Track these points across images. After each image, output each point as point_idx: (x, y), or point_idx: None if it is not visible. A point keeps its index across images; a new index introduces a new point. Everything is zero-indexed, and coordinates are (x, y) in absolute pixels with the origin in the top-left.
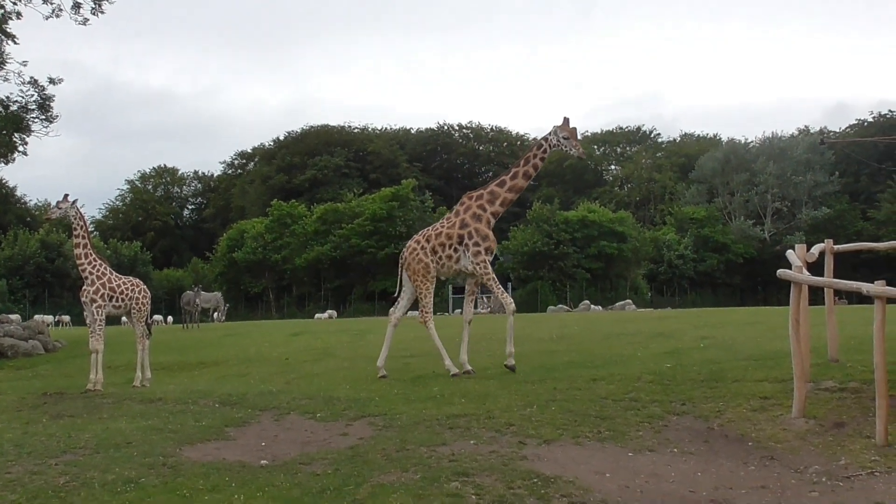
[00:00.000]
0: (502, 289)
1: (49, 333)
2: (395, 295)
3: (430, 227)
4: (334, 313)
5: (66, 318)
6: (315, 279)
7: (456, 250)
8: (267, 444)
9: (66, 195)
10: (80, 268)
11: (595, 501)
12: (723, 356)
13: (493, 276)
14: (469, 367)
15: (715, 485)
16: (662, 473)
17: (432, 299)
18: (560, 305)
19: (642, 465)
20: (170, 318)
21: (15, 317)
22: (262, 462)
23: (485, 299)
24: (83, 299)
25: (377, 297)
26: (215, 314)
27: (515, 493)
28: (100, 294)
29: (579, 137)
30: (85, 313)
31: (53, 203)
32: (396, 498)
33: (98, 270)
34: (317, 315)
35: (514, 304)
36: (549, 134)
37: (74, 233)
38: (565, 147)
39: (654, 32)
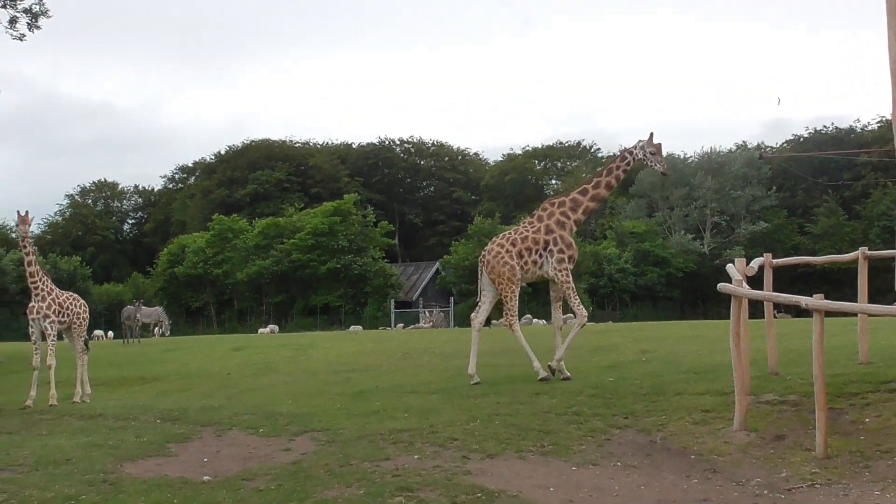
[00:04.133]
0: (578, 299)
1: None
2: (477, 299)
3: (512, 231)
4: (276, 328)
5: None
6: (256, 294)
7: (541, 255)
8: (209, 459)
9: (26, 212)
10: (31, 283)
11: None
12: (664, 369)
13: (573, 285)
14: (567, 374)
15: (658, 498)
16: (606, 487)
17: (517, 303)
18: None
19: (585, 479)
20: (110, 333)
21: None
22: (205, 478)
23: (426, 313)
24: (34, 315)
25: (319, 311)
26: (156, 329)
27: None
28: (52, 310)
29: (519, 152)
30: (32, 329)
31: (13, 223)
32: None
33: (47, 286)
34: (260, 329)
35: (586, 317)
36: (635, 147)
37: (25, 250)
38: (650, 161)
39: (593, 47)
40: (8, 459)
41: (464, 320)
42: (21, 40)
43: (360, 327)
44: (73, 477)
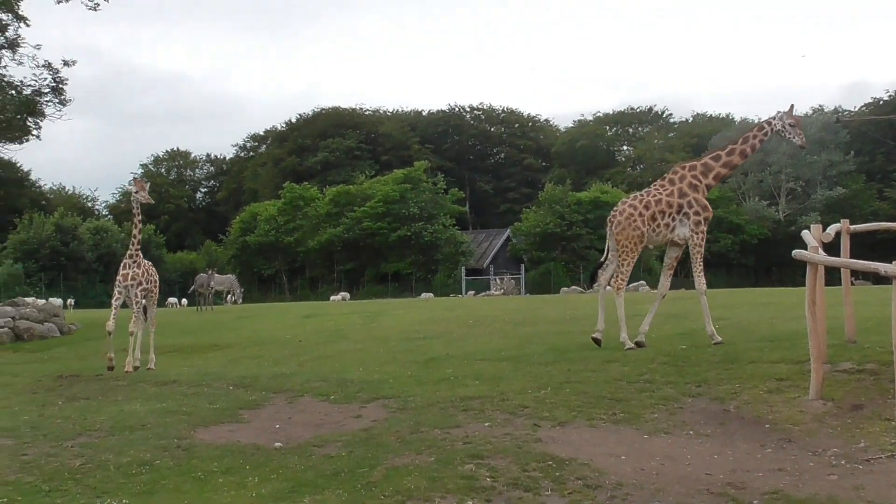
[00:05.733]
0: (702, 266)
1: (64, 316)
2: (602, 259)
3: (644, 193)
4: (347, 295)
5: (72, 301)
6: (328, 261)
7: (674, 219)
8: (281, 426)
9: (141, 177)
10: (134, 250)
11: (610, 484)
12: (738, 337)
13: (703, 250)
14: (643, 340)
15: (731, 467)
16: (678, 456)
17: (632, 269)
18: (574, 287)
19: (657, 448)
20: (184, 301)
21: (31, 300)
22: (276, 444)
23: (497, 281)
24: (128, 283)
25: (389, 279)
26: (229, 297)
27: (530, 476)
28: (144, 277)
29: (590, 118)
30: (119, 294)
31: (133, 189)
32: (410, 480)
33: (139, 254)
34: (331, 297)
35: (705, 285)
36: (774, 118)
37: (138, 217)
38: (789, 134)
39: (668, 11)
40: (85, 424)
41: (534, 287)
42: (95, 10)
43: (431, 294)
44: (148, 442)
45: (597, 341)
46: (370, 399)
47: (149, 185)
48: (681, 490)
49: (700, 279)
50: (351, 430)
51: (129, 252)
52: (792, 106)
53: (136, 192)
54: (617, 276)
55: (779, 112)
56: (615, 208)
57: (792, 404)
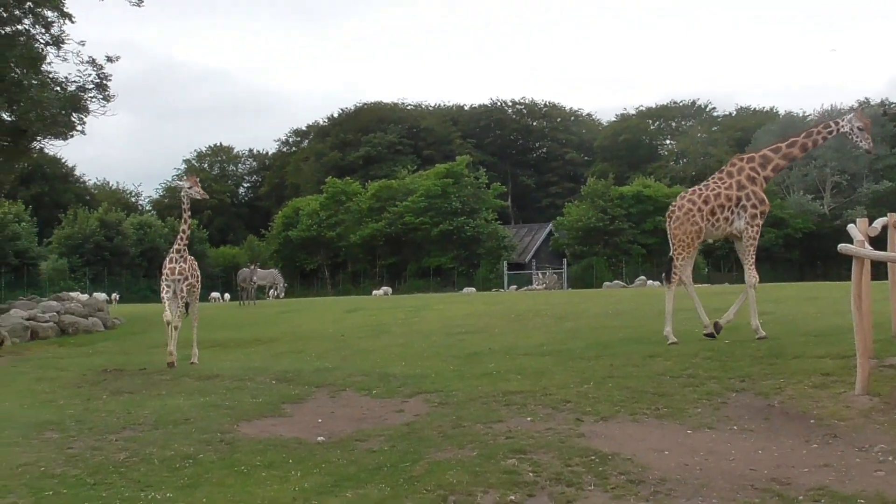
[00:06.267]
0: (754, 259)
1: (108, 311)
2: (670, 254)
3: (702, 187)
4: (389, 290)
5: (115, 295)
6: (370, 256)
7: (732, 212)
8: (323, 420)
9: (191, 174)
10: (183, 244)
11: (653, 479)
12: (782, 332)
13: (756, 244)
14: (711, 324)
15: (776, 463)
16: (722, 451)
17: (687, 263)
18: (616, 281)
19: (701, 443)
20: (226, 296)
21: (75, 294)
22: (319, 438)
23: (539, 275)
24: (176, 276)
25: (431, 273)
26: (271, 291)
27: (573, 471)
28: (189, 272)
29: (633, 112)
30: (168, 289)
31: (186, 184)
32: (453, 475)
33: (186, 249)
34: (373, 291)
35: (756, 278)
36: (843, 119)
37: (189, 212)
38: (857, 137)
39: (713, 4)
40: (129, 418)
41: (577, 282)
42: (139, 6)
43: (474, 289)
44: (191, 436)
45: (711, 335)
46: (412, 393)
47: (199, 180)
48: (724, 485)
49: (750, 272)
50: (393, 425)
51: (176, 247)
52: (862, 108)
53: (190, 188)
54: (674, 271)
55: (851, 114)
56: (673, 203)
57: (837, 400)
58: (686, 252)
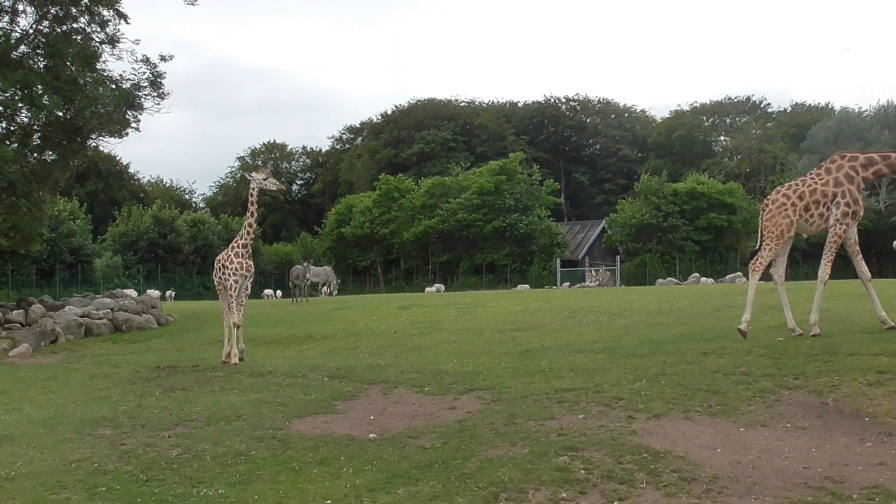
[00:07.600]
0: (833, 256)
1: (161, 308)
2: (756, 247)
3: (799, 182)
4: (442, 287)
5: (171, 292)
6: (423, 253)
7: (828, 208)
8: (375, 417)
9: (261, 164)
10: (249, 240)
11: (706, 477)
12: (836, 329)
13: (839, 243)
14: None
15: (830, 461)
16: (775, 449)
17: (772, 256)
18: (669, 278)
19: (754, 441)
20: (279, 292)
21: (129, 291)
22: (371, 435)
23: (592, 272)
24: (244, 272)
25: (485, 270)
26: (325, 288)
27: (625, 468)
28: (250, 268)
29: (687, 109)
30: (235, 286)
31: (260, 176)
32: (505, 472)
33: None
34: (426, 288)
35: (828, 276)
36: None
37: (256, 206)
38: None
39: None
40: (182, 415)
41: (630, 279)
42: (193, 5)
43: (527, 286)
44: (244, 433)
45: (803, 334)
46: (465, 390)
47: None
48: (778, 484)
49: (825, 268)
50: (445, 422)
51: (241, 241)
52: None
53: (264, 179)
54: (759, 257)
55: None
56: (769, 196)
57: (893, 398)
58: (775, 244)
